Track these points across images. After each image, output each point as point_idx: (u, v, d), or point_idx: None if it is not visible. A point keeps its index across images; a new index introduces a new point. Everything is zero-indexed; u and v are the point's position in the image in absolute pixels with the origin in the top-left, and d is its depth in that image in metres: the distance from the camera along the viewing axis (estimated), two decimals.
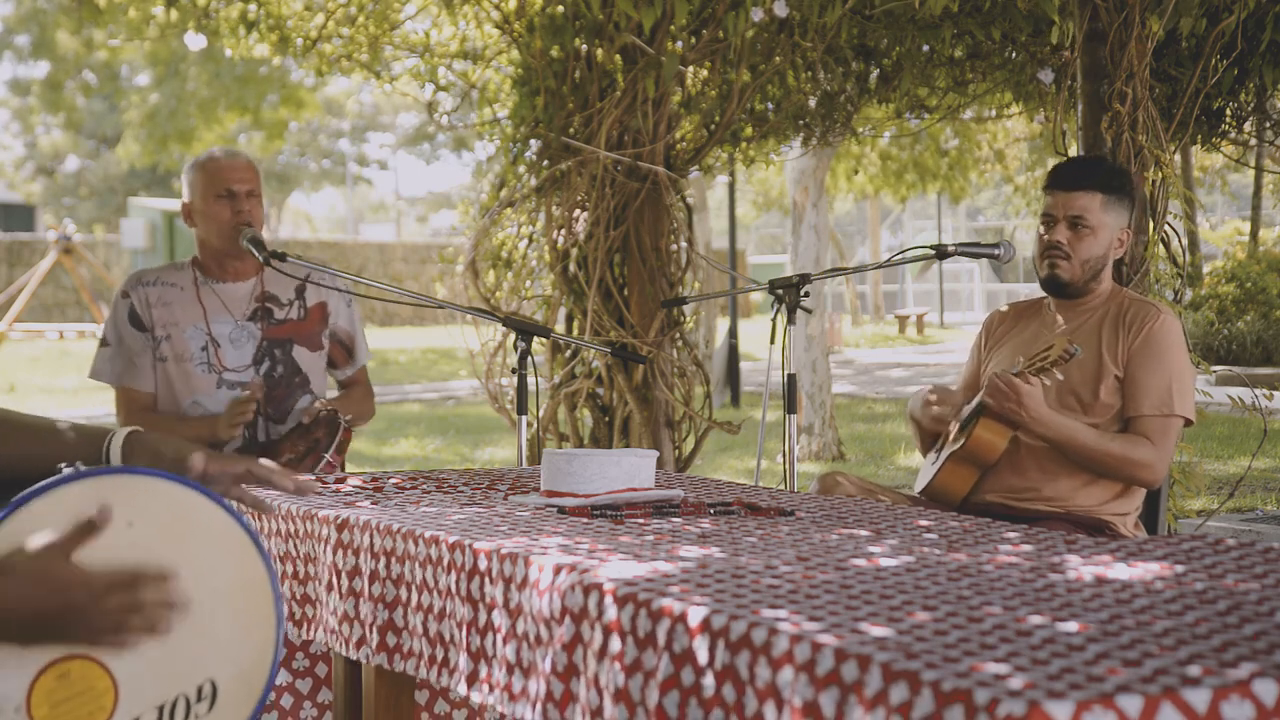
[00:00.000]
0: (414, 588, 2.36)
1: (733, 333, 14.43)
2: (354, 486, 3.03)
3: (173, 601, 1.69)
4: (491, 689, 2.14)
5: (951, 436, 3.57)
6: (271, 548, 2.77)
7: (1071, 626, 1.65)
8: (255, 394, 3.80)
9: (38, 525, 1.72)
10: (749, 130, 6.15)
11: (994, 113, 10.49)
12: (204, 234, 3.94)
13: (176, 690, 1.82)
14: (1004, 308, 3.80)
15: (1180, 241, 4.64)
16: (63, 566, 1.67)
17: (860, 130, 7.42)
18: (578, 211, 5.93)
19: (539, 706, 1.99)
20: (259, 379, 3.89)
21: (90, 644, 1.68)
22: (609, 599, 1.88)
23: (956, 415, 3.57)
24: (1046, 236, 3.49)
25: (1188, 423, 3.44)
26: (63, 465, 1.87)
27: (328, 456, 3.74)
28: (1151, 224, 4.44)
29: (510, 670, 2.09)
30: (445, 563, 2.28)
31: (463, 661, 2.22)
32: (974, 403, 3.50)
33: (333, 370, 4.08)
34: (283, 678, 3.13)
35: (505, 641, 2.11)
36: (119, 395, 3.95)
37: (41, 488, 1.77)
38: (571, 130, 5.81)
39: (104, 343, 3.97)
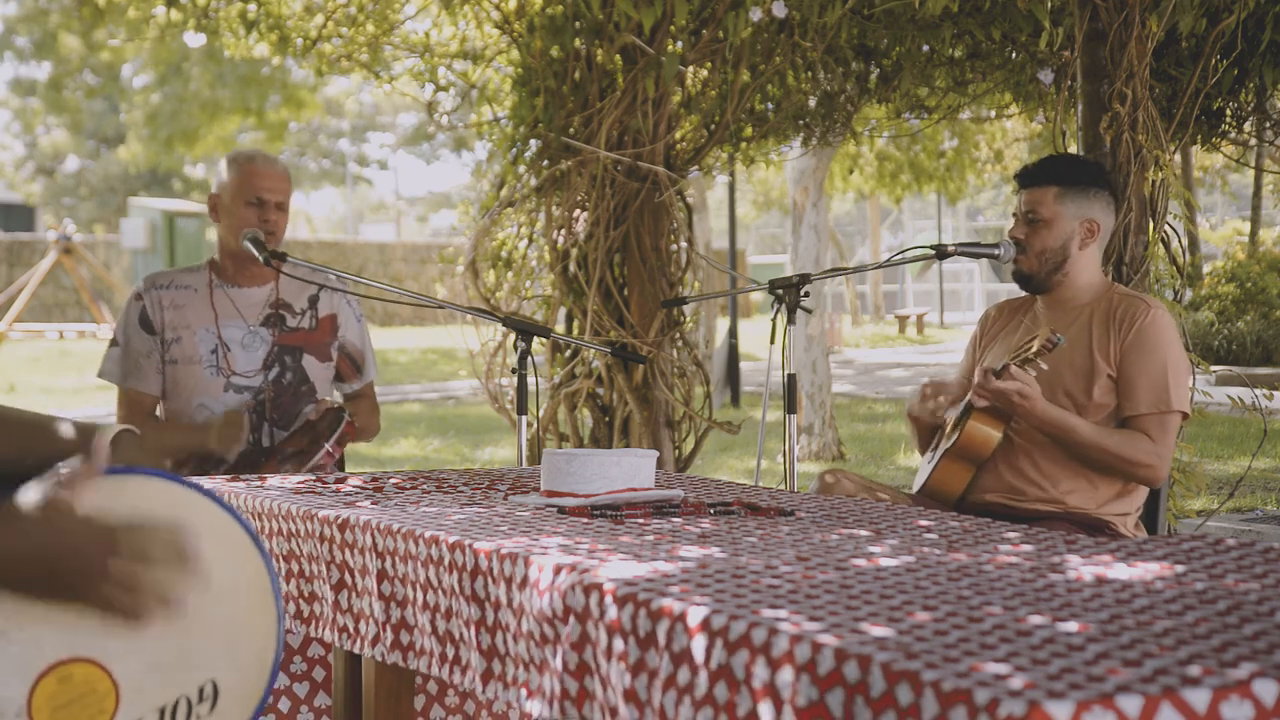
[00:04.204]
0: (418, 587, 2.37)
1: (733, 333, 14.43)
2: (354, 486, 3.03)
3: (188, 557, 1.66)
4: (507, 686, 2.14)
5: (946, 433, 3.58)
6: (273, 547, 2.77)
7: (1071, 626, 1.65)
8: (242, 417, 3.79)
9: None
10: (749, 130, 6.14)
11: (993, 114, 10.49)
12: (225, 233, 3.94)
13: (178, 692, 1.82)
14: (1001, 303, 3.82)
15: (1180, 241, 4.64)
16: (67, 512, 1.66)
17: (860, 130, 7.42)
18: (578, 211, 5.93)
19: (556, 704, 1.99)
20: (249, 401, 3.87)
21: (102, 603, 1.64)
22: (609, 599, 1.88)
23: (953, 405, 3.57)
24: (1010, 234, 3.57)
25: (1185, 417, 3.44)
26: (61, 465, 1.87)
27: (327, 446, 3.75)
28: (1151, 224, 4.44)
29: (526, 668, 2.09)
30: (446, 562, 2.28)
31: (474, 659, 2.22)
32: (966, 400, 3.51)
33: (339, 384, 4.08)
34: (280, 681, 3.13)
35: (516, 640, 2.11)
36: (122, 396, 3.95)
37: None
38: (571, 130, 5.81)
39: (113, 342, 3.97)
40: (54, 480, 1.68)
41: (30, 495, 1.66)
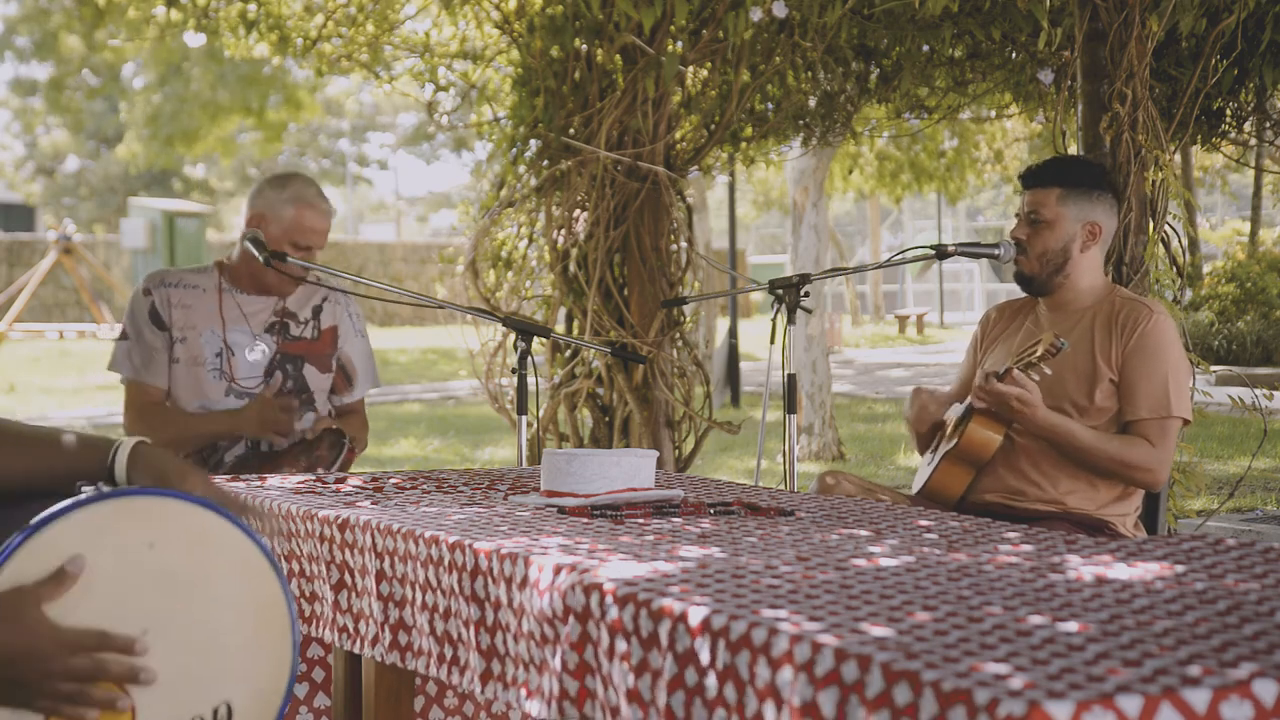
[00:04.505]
0: (418, 587, 2.37)
1: (733, 333, 14.42)
2: (354, 486, 3.03)
3: (136, 674, 1.71)
4: (507, 686, 2.14)
5: (946, 435, 3.58)
6: (274, 546, 2.77)
7: (1071, 626, 1.65)
8: (291, 405, 3.80)
9: (60, 546, 1.73)
10: (749, 130, 6.14)
11: (993, 114, 10.49)
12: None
13: (193, 712, 1.82)
14: (1002, 304, 3.81)
15: (1180, 242, 4.64)
16: (32, 612, 1.69)
17: (860, 130, 7.42)
18: (578, 211, 5.93)
19: (555, 704, 1.99)
20: (285, 398, 3.87)
21: (45, 706, 1.69)
22: (609, 599, 1.88)
23: (948, 410, 3.58)
24: (1012, 234, 3.57)
25: (1185, 422, 3.44)
26: (82, 484, 1.87)
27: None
28: (1151, 224, 4.44)
29: (526, 668, 2.09)
30: (446, 563, 2.28)
31: (473, 659, 2.22)
32: (967, 402, 3.51)
33: (331, 395, 4.07)
34: None
35: (516, 640, 2.11)
36: (130, 389, 3.94)
37: (64, 509, 1.76)
38: (571, 130, 5.81)
39: (123, 336, 3.97)
40: (27, 581, 1.70)
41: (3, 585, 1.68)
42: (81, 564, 1.72)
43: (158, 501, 1.85)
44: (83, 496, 1.79)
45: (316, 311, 4.03)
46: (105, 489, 1.83)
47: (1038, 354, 3.25)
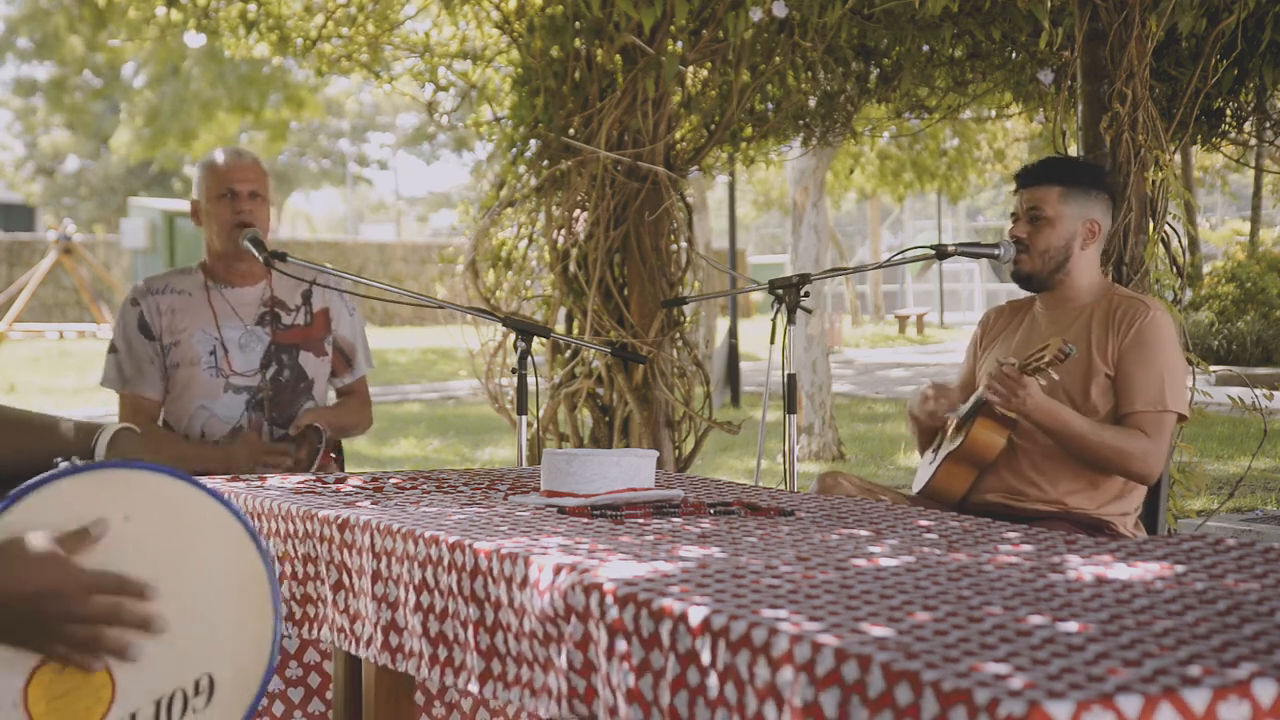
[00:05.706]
0: (412, 588, 2.36)
1: (733, 333, 14.42)
2: (354, 486, 3.03)
3: (149, 622, 1.70)
4: (508, 686, 2.14)
5: (949, 436, 3.57)
6: (271, 548, 2.77)
7: (1071, 626, 1.65)
8: (284, 451, 3.82)
9: (33, 520, 1.72)
10: (749, 130, 6.15)
11: (993, 113, 10.49)
12: (208, 235, 4.00)
13: (174, 684, 1.82)
14: (1001, 305, 3.81)
15: (1180, 242, 4.64)
16: (56, 557, 1.68)
17: (860, 130, 7.42)
18: (578, 211, 5.93)
19: (564, 703, 1.99)
20: (280, 444, 3.88)
21: (65, 649, 1.68)
22: (609, 599, 1.88)
23: (954, 412, 3.57)
24: (1012, 232, 3.56)
25: (1181, 419, 3.44)
26: (59, 460, 1.87)
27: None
28: (1151, 224, 4.44)
29: (530, 666, 2.09)
30: (445, 563, 2.28)
31: (471, 660, 2.22)
32: (972, 400, 3.50)
33: (331, 378, 4.09)
34: (275, 685, 3.13)
35: (518, 639, 2.11)
36: (125, 402, 3.95)
37: (37, 482, 1.77)
38: (571, 130, 5.81)
39: (112, 349, 3.98)
40: (50, 531, 1.70)
41: (30, 536, 1.67)
42: (105, 527, 1.72)
43: (133, 474, 1.84)
44: (55, 470, 1.79)
45: (306, 296, 4.04)
46: (80, 463, 1.83)
47: (1045, 359, 3.24)
